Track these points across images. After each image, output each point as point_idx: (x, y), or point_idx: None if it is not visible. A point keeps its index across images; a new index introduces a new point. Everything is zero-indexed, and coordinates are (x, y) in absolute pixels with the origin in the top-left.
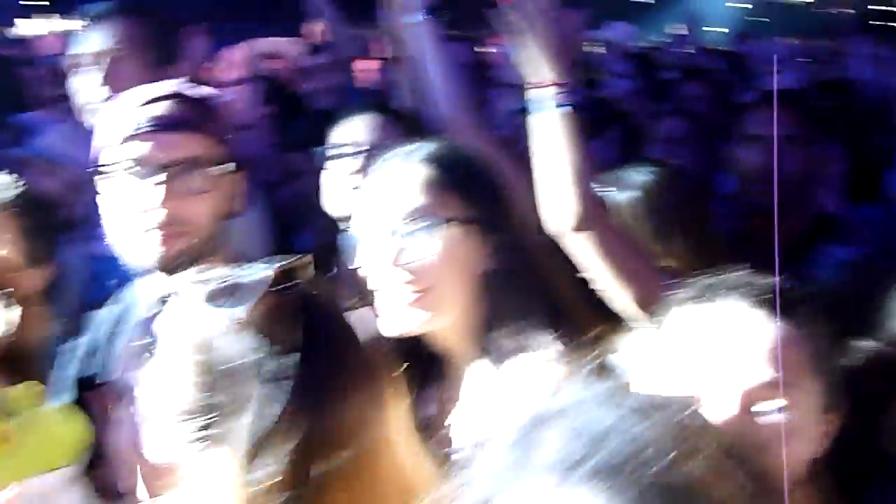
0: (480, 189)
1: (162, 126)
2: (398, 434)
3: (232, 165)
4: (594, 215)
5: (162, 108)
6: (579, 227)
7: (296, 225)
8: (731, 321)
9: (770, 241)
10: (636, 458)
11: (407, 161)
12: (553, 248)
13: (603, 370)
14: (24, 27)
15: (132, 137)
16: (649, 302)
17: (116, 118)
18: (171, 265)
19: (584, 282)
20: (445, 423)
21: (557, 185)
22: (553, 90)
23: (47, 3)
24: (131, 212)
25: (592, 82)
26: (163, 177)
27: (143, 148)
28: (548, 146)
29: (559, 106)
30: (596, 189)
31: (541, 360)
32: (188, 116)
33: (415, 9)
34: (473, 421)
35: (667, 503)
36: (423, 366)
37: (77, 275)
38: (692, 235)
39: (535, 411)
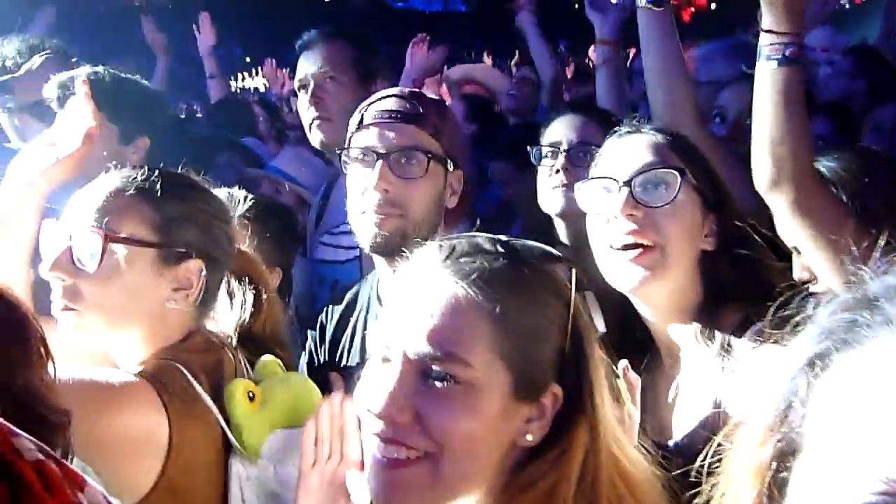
0: (702, 167)
1: (383, 118)
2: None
3: (448, 161)
4: (801, 173)
5: (386, 104)
6: (775, 186)
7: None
8: None
9: None
10: None
11: (638, 129)
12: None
13: None
14: (246, 80)
15: (361, 128)
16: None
17: (358, 113)
18: (385, 244)
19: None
20: (665, 411)
21: (763, 139)
22: (773, 38)
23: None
24: (358, 193)
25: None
26: (381, 162)
27: (369, 137)
28: (760, 97)
29: (773, 58)
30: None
31: (763, 345)
32: (406, 110)
33: None
34: (696, 408)
35: None
36: (636, 355)
37: (304, 277)
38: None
39: (868, 284)
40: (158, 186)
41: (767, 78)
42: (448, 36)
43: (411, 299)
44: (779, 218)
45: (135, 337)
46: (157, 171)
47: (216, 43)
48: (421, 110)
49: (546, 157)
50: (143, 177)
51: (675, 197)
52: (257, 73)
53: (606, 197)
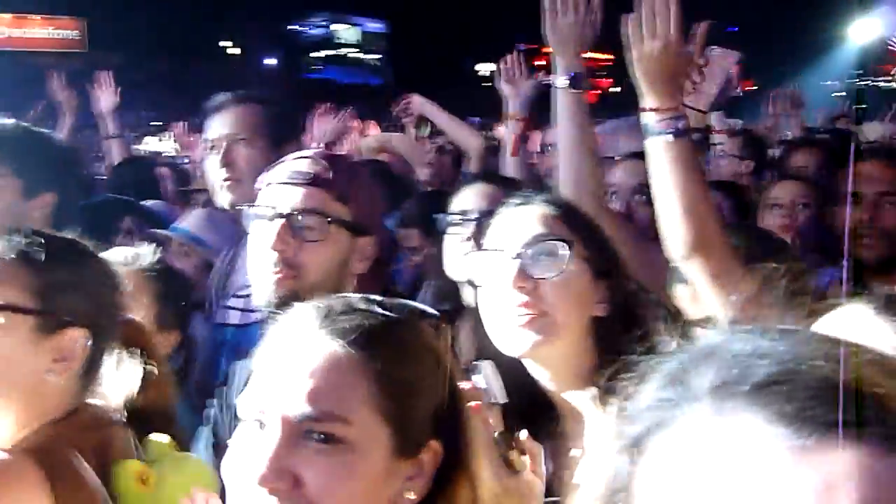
0: (594, 235)
1: (290, 178)
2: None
3: (355, 226)
4: (711, 240)
5: (295, 165)
6: (694, 252)
7: (413, 296)
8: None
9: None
10: (794, 371)
11: (529, 201)
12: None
13: None
14: (152, 143)
15: (269, 187)
16: None
17: (269, 172)
18: (279, 305)
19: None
20: (563, 479)
21: (673, 209)
22: (661, 115)
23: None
24: (258, 252)
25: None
26: (281, 222)
27: (274, 196)
28: (661, 171)
29: (667, 132)
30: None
31: None
32: (314, 172)
33: (562, 75)
34: (591, 473)
35: (827, 408)
36: (538, 423)
37: (206, 342)
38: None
39: (684, 353)
40: (42, 250)
41: (664, 152)
42: (363, 107)
43: (288, 360)
44: (697, 287)
45: (9, 412)
46: (41, 235)
47: (120, 105)
48: (330, 174)
49: (456, 224)
50: (26, 240)
51: (563, 268)
52: (166, 137)
53: (496, 268)
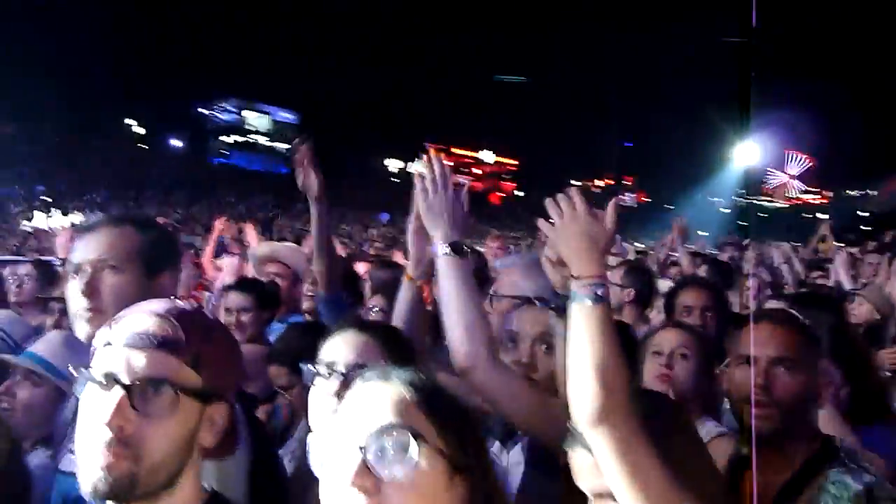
0: (456, 424)
1: (135, 340)
2: None
3: (207, 395)
4: (618, 410)
5: (141, 323)
6: (600, 422)
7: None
8: None
9: (772, 468)
10: None
11: (383, 380)
12: None
13: None
14: (40, 219)
15: (106, 349)
16: None
17: (107, 329)
18: (109, 492)
19: None
20: None
21: (585, 374)
22: (584, 281)
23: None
24: (89, 425)
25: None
26: (121, 394)
27: (113, 360)
28: (581, 334)
29: (587, 297)
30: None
31: None
32: (163, 334)
33: (439, 245)
34: None
35: None
36: None
37: (41, 489)
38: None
39: None
40: None
41: (583, 316)
42: (268, 195)
43: None
44: (599, 457)
45: None
46: None
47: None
48: (182, 335)
49: (321, 376)
50: None
51: (413, 466)
52: (56, 214)
53: (340, 459)
